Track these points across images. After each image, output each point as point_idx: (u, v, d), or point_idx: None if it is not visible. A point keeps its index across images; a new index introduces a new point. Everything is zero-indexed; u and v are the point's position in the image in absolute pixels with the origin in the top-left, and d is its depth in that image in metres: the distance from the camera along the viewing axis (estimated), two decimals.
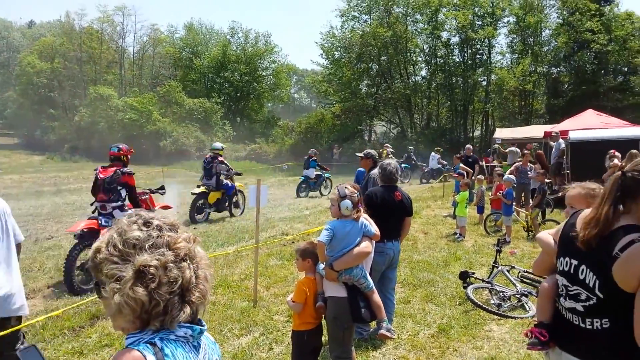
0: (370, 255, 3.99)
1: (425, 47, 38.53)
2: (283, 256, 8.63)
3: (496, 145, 20.85)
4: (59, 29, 51.73)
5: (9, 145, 45.70)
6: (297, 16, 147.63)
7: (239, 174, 14.18)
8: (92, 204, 7.59)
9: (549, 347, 2.40)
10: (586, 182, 2.90)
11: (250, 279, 7.05)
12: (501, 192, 10.60)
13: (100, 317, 5.76)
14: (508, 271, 6.79)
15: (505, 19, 36.31)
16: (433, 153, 22.49)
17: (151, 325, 1.37)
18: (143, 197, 8.54)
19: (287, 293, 6.16)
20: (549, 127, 19.70)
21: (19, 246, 3.83)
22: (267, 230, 11.09)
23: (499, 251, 7.04)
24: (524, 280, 6.72)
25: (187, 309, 1.40)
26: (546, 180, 11.69)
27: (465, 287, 6.36)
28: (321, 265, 3.90)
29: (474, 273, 6.68)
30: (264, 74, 49.43)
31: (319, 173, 18.01)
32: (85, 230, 7.04)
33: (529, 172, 12.23)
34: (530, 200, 11.72)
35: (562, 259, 2.30)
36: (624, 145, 12.63)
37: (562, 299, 2.30)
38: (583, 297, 2.15)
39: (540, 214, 11.14)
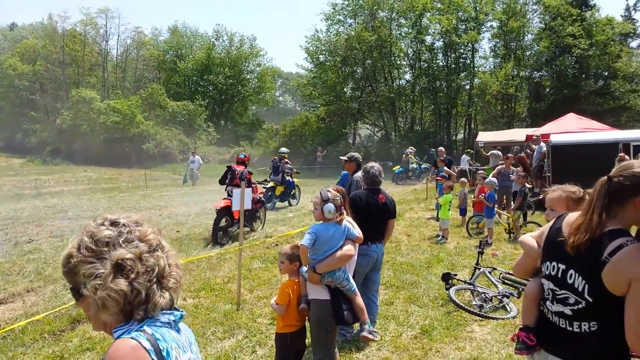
0: (353, 258, 4.01)
1: (409, 51, 38.77)
2: (267, 259, 8.62)
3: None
4: (42, 31, 51.11)
5: None
6: (282, 19, 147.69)
7: (298, 173, 16.88)
8: (226, 189, 10.96)
9: (535, 351, 2.41)
10: (566, 185, 2.93)
11: (234, 282, 7.03)
12: (483, 194, 10.70)
13: (82, 321, 5.70)
14: (490, 272, 6.85)
15: (489, 24, 36.73)
16: (464, 155, 22.93)
17: (135, 316, 1.43)
18: (252, 186, 11.30)
19: (270, 296, 6.15)
20: (530, 131, 19.93)
21: None
22: (250, 232, 11.08)
23: (480, 253, 7.10)
24: (506, 281, 6.78)
25: (167, 295, 1.50)
26: (527, 184, 11.78)
27: (447, 289, 6.41)
28: (304, 268, 3.91)
29: (456, 275, 6.74)
30: (248, 77, 49.25)
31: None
32: (222, 207, 10.09)
33: (511, 175, 12.36)
34: (512, 202, 11.84)
35: (548, 263, 2.32)
36: (604, 148, 12.87)
37: (548, 303, 2.32)
38: (571, 301, 2.17)
39: (521, 216, 11.25)
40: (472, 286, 6.50)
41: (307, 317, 3.97)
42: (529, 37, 35.79)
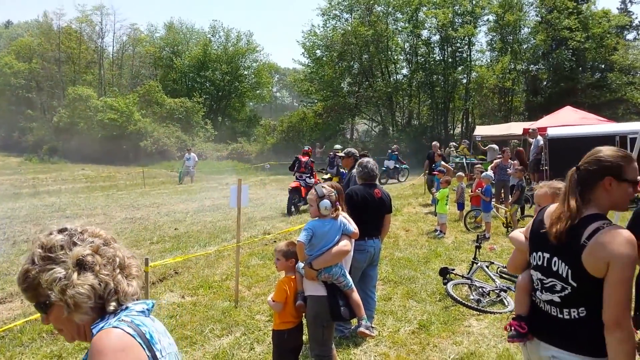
0: (349, 254, 4.01)
1: (406, 46, 38.66)
2: (265, 255, 8.63)
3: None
4: (37, 29, 50.94)
5: None
6: (278, 15, 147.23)
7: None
8: (294, 174, 13.94)
9: (528, 339, 2.48)
10: (552, 182, 3.10)
11: (232, 279, 7.04)
12: (480, 189, 10.71)
13: None
14: (487, 267, 6.88)
15: (485, 17, 36.55)
16: (451, 142, 23.72)
17: (108, 308, 1.46)
18: (313, 174, 14.08)
19: (268, 292, 6.16)
20: (528, 124, 19.96)
21: None
22: (248, 229, 11.09)
23: (478, 247, 7.13)
24: (503, 275, 6.81)
25: (134, 282, 1.54)
26: (525, 177, 11.81)
27: (445, 284, 6.43)
28: (301, 265, 3.92)
29: (453, 269, 6.76)
30: (245, 73, 49.13)
31: (397, 165, 21.79)
32: (293, 187, 13.24)
33: (508, 169, 12.38)
34: (510, 196, 11.86)
35: (534, 254, 2.42)
36: (601, 141, 12.82)
37: (538, 293, 2.41)
38: (558, 287, 2.26)
39: (519, 209, 11.28)
40: (469, 281, 6.52)
41: (303, 314, 3.98)
42: (526, 31, 35.68)
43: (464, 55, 36.60)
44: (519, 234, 2.75)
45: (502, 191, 12.74)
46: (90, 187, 22.18)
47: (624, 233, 2.10)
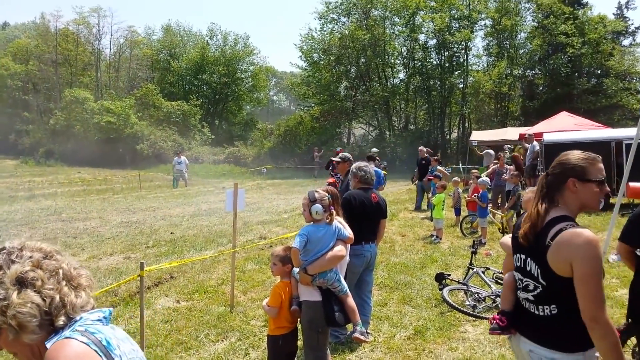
0: (344, 259, 4.00)
1: (403, 50, 38.73)
2: (261, 260, 8.62)
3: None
4: (34, 30, 50.80)
5: None
6: (276, 18, 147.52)
7: (386, 169, 18.07)
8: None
9: (510, 333, 2.61)
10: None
11: (227, 284, 7.03)
12: (476, 194, 10.72)
13: None
14: (483, 272, 6.87)
15: (482, 22, 36.70)
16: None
17: (57, 323, 1.40)
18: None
19: (264, 297, 6.13)
20: (524, 130, 20.01)
21: None
22: (245, 234, 11.07)
23: (474, 253, 7.12)
24: (499, 281, 6.80)
25: (82, 293, 1.48)
26: (521, 182, 11.84)
27: (441, 289, 6.42)
28: (296, 270, 3.91)
29: (449, 275, 6.75)
30: (242, 76, 49.13)
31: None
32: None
33: (504, 174, 12.40)
34: (507, 201, 11.88)
35: (515, 255, 2.56)
36: (596, 147, 12.92)
37: (519, 292, 2.56)
38: (531, 287, 2.40)
39: (515, 215, 11.29)
40: (465, 286, 6.51)
41: (298, 319, 3.97)
42: (522, 36, 35.84)
43: (461, 60, 36.73)
44: (508, 239, 2.89)
45: (499, 197, 12.77)
46: (87, 191, 22.13)
47: (585, 233, 2.18)
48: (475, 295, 6.35)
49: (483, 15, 36.03)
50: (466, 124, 37.60)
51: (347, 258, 4.14)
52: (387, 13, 37.76)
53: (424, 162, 15.26)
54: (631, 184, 8.94)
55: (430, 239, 10.49)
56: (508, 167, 13.14)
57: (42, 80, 45.42)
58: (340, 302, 3.88)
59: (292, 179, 28.72)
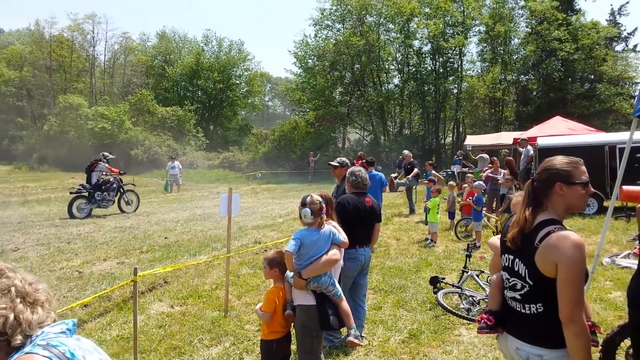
0: (339, 263, 4.00)
1: (397, 56, 38.90)
2: (255, 265, 8.60)
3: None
4: (28, 37, 50.85)
5: None
6: (271, 25, 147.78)
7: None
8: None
9: (497, 332, 2.68)
10: None
11: (222, 289, 7.00)
12: (471, 198, 10.75)
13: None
14: (477, 276, 6.87)
15: (476, 28, 36.88)
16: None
17: (14, 343, 1.35)
18: None
19: (258, 302, 6.11)
20: (518, 134, 20.09)
21: None
22: (239, 238, 11.05)
23: (468, 256, 7.12)
24: None
25: (39, 309, 1.42)
26: (515, 186, 11.87)
27: (435, 292, 6.42)
28: (290, 274, 3.90)
29: (444, 278, 6.74)
30: (237, 81, 49.19)
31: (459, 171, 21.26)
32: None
33: (498, 178, 12.44)
34: (501, 205, 11.91)
35: (504, 256, 2.64)
36: (590, 151, 13.00)
37: (506, 291, 2.64)
38: (519, 286, 2.48)
39: (509, 218, 11.31)
40: (460, 289, 6.51)
41: (292, 323, 3.95)
42: (516, 42, 36.02)
43: (455, 65, 36.89)
44: (496, 239, 3.03)
45: (494, 200, 12.80)
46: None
47: (572, 237, 2.27)
48: (470, 298, 6.35)
49: (477, 22, 36.24)
50: (461, 129, 37.74)
51: (341, 262, 4.13)
52: (382, 20, 37.95)
53: (409, 166, 15.35)
54: (624, 187, 8.95)
55: (424, 242, 10.49)
56: (502, 170, 13.18)
57: (36, 86, 45.41)
58: (335, 306, 3.86)
59: (287, 183, 28.71)
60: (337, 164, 7.02)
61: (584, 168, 2.48)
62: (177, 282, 7.75)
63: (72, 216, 14.46)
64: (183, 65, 46.77)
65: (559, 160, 2.49)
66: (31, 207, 17.61)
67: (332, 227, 3.94)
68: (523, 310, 2.47)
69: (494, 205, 12.79)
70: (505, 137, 22.15)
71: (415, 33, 36.94)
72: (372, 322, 5.90)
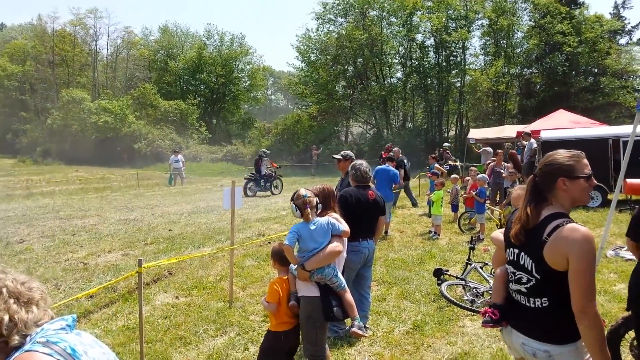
0: (342, 254, 4.00)
1: (400, 49, 38.78)
2: (259, 257, 8.63)
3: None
4: (31, 31, 50.85)
5: None
6: (273, 18, 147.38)
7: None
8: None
9: (502, 325, 2.70)
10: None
11: (226, 280, 7.04)
12: (474, 190, 10.75)
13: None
14: (481, 268, 6.89)
15: (479, 22, 36.73)
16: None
17: (12, 343, 1.35)
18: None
19: (263, 293, 6.15)
20: (521, 127, 20.05)
21: None
22: (243, 231, 11.08)
23: (472, 248, 7.13)
24: None
25: (34, 308, 1.42)
26: (518, 179, 11.86)
27: (439, 284, 6.44)
28: (293, 266, 3.92)
29: (448, 270, 6.76)
30: (240, 75, 49.13)
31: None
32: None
33: (502, 171, 12.44)
34: (505, 198, 11.91)
35: (508, 250, 2.66)
36: (594, 144, 12.97)
37: (510, 284, 2.65)
38: (524, 280, 2.49)
39: (513, 212, 11.30)
40: (463, 281, 6.53)
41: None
42: (519, 35, 35.84)
43: (458, 59, 36.77)
44: (499, 233, 3.05)
45: (498, 194, 12.81)
46: (84, 189, 22.12)
47: (582, 229, 2.29)
48: (474, 290, 6.37)
49: (480, 15, 36.06)
50: (464, 122, 37.65)
51: (345, 254, 4.14)
52: (384, 13, 37.82)
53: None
54: (628, 180, 8.96)
55: (428, 235, 10.51)
56: (505, 164, 13.17)
57: (39, 80, 45.46)
58: (339, 297, 3.88)
59: (290, 176, 28.73)
60: (341, 157, 7.01)
61: (586, 161, 2.48)
62: (182, 273, 7.80)
63: (246, 195, 17.90)
64: (185, 59, 46.73)
65: (561, 155, 2.49)
66: (35, 200, 17.69)
67: (331, 218, 3.94)
68: (528, 304, 2.48)
69: (497, 198, 12.78)
70: (509, 130, 22.11)
71: (418, 27, 36.76)
72: (377, 314, 5.93)
